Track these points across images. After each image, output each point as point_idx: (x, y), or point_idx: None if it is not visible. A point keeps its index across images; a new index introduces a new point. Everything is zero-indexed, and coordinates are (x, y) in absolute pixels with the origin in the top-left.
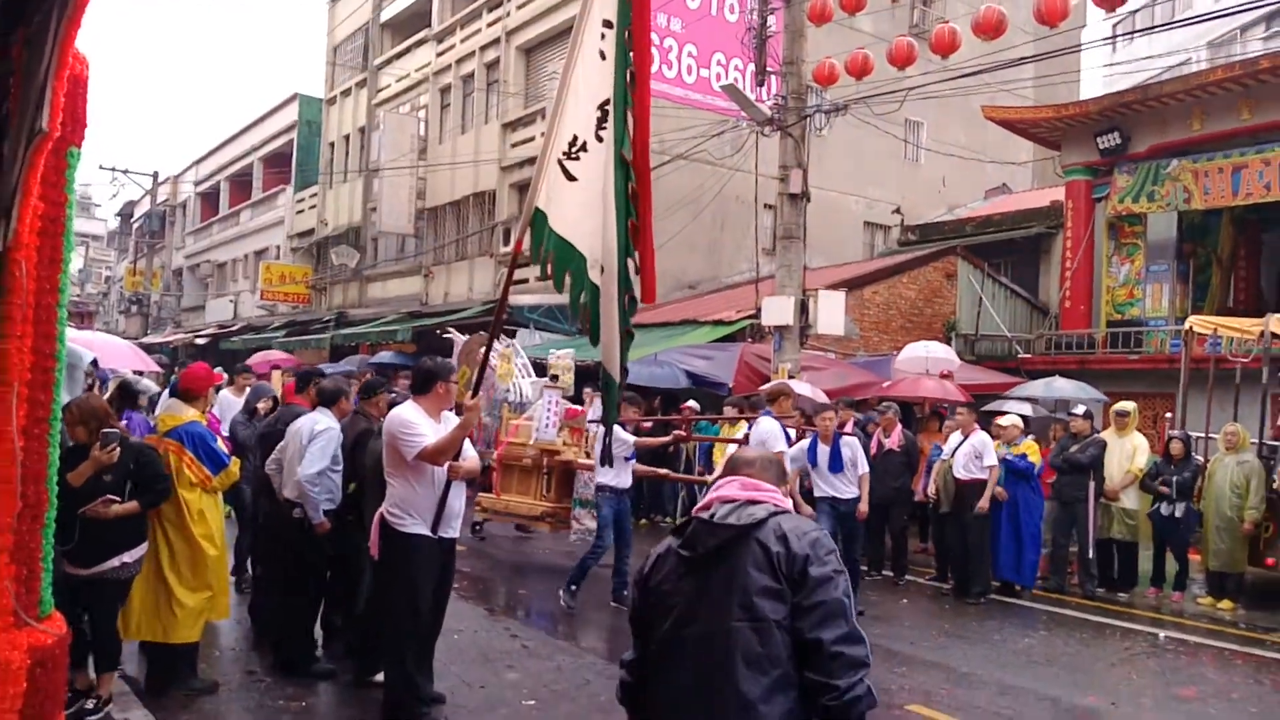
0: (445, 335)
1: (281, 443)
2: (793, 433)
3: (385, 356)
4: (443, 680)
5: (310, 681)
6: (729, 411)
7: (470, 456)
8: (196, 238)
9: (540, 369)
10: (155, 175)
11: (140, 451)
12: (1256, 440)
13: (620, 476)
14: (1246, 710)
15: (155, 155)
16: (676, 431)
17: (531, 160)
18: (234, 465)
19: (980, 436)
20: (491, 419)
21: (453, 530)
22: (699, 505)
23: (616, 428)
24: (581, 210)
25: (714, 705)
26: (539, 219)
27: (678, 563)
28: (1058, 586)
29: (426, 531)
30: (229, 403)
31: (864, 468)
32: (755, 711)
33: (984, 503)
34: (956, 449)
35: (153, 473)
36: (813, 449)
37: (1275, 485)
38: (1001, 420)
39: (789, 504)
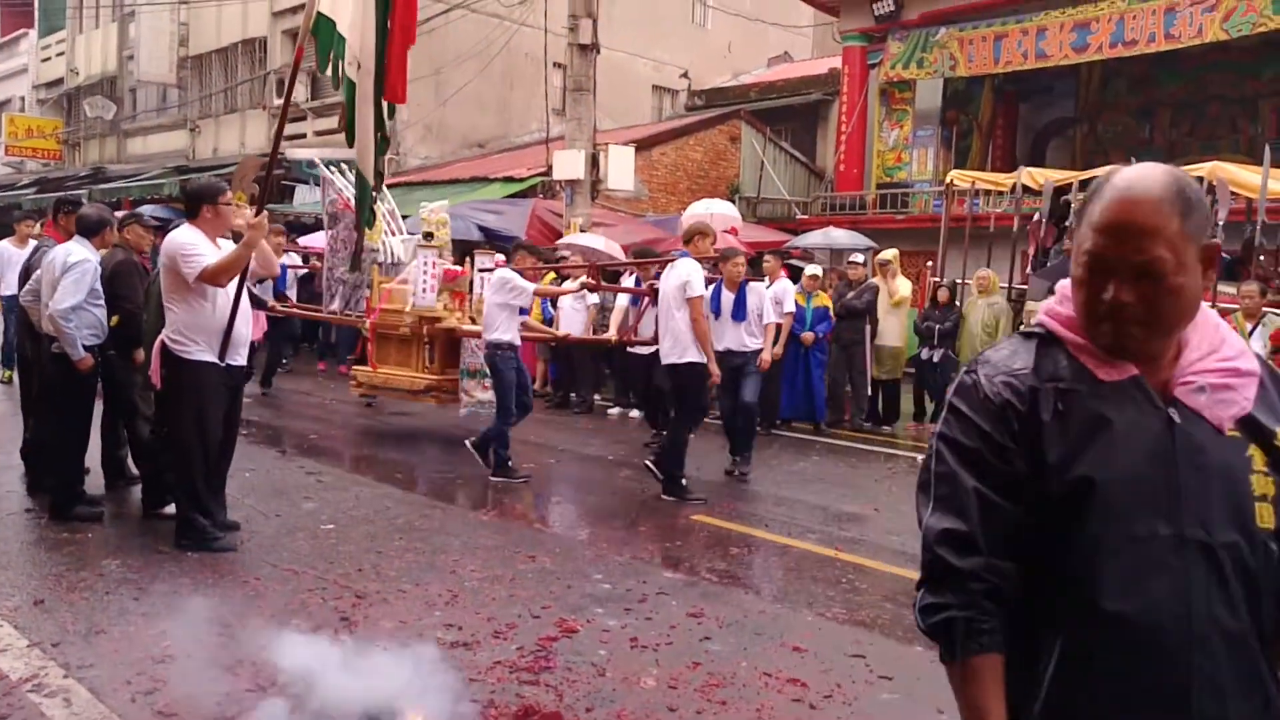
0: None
1: (37, 272)
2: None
3: (151, 210)
4: (237, 510)
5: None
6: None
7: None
8: None
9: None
10: None
11: None
12: (1006, 286)
13: (514, 331)
14: None
15: None
16: (585, 279)
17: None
18: None
19: (783, 284)
20: (354, 279)
21: (240, 358)
22: None
23: (514, 274)
24: (355, 7)
25: None
26: (324, 25)
27: None
28: (835, 422)
29: (213, 359)
30: (8, 254)
31: (771, 317)
32: None
33: (778, 349)
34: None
35: None
36: (715, 296)
37: (1021, 326)
38: (808, 270)
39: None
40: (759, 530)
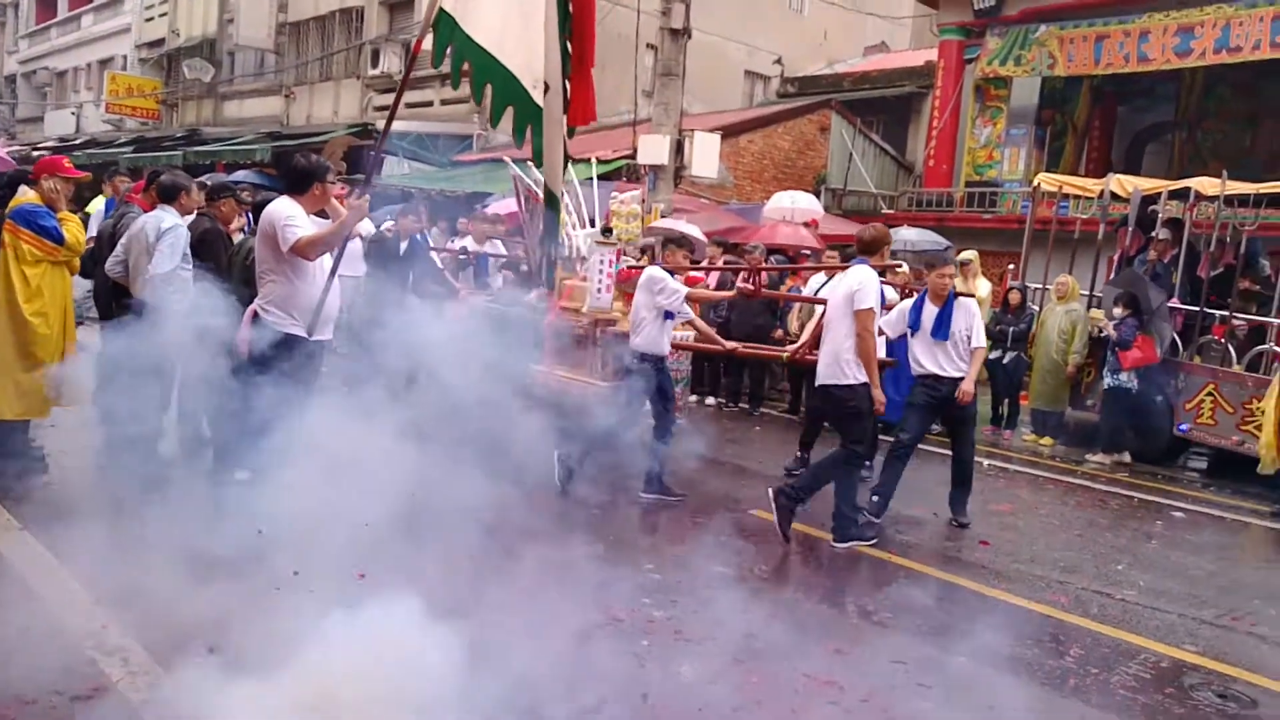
0: None
1: (123, 241)
2: (893, 291)
3: (242, 175)
4: None
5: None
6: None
7: None
8: (32, 41)
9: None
10: None
11: None
12: (1087, 293)
13: (661, 339)
14: (1050, 523)
15: None
16: (741, 284)
17: None
18: (73, 238)
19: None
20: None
21: (326, 333)
22: None
23: (664, 274)
24: (505, 22)
25: None
26: (444, 21)
27: None
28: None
29: (303, 333)
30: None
31: (980, 341)
32: None
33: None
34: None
35: None
36: (916, 310)
37: (1096, 333)
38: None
39: None
40: (815, 529)
